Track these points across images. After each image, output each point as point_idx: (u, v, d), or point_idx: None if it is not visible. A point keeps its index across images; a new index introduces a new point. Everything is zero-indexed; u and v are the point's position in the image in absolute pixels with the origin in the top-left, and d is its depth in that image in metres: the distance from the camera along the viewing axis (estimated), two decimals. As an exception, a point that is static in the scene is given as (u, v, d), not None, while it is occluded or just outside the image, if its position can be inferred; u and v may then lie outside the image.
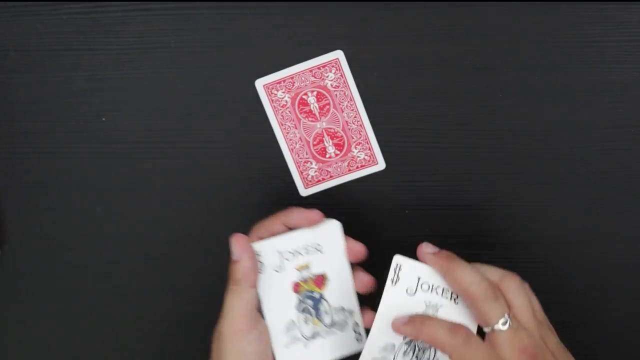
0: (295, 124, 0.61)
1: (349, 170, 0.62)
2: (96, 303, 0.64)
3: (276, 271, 0.56)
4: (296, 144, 0.61)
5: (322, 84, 0.61)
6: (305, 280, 0.56)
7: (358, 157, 0.62)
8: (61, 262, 0.64)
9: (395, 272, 0.56)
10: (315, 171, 0.62)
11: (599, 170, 0.62)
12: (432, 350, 0.56)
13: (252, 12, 0.61)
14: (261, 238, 0.56)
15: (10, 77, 0.62)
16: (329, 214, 0.56)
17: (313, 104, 0.61)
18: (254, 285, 0.54)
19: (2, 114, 0.62)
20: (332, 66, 0.60)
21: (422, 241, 0.56)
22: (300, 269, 0.56)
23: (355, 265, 0.57)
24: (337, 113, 0.61)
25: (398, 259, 0.56)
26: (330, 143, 0.62)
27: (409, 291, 0.56)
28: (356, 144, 0.62)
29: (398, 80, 0.61)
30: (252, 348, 0.54)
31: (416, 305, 0.55)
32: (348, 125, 0.61)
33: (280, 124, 0.61)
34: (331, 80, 0.61)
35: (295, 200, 0.62)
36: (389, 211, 0.63)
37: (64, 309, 0.64)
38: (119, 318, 0.65)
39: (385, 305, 0.55)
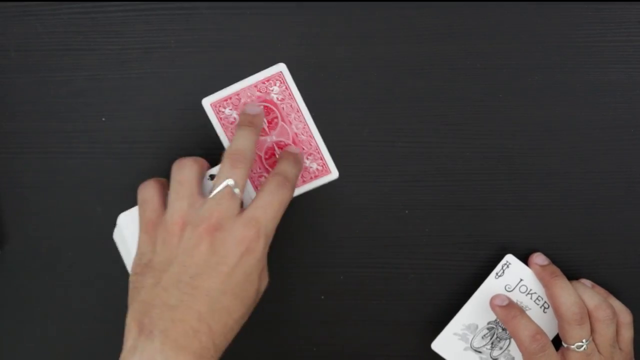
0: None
1: (304, 181, 0.62)
2: (96, 303, 0.64)
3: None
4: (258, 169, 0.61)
5: (268, 97, 0.60)
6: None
7: (311, 167, 0.61)
8: (61, 262, 0.64)
9: (502, 268, 0.61)
10: None
11: (599, 170, 0.62)
12: (508, 342, 0.62)
13: (252, 12, 0.61)
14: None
15: (10, 77, 0.62)
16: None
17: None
18: None
19: (2, 114, 0.62)
20: (276, 79, 0.60)
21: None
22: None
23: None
24: (285, 126, 0.61)
25: (509, 258, 0.61)
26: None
27: (507, 287, 0.61)
28: (307, 155, 0.61)
29: (398, 80, 0.61)
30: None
31: None
32: (297, 137, 0.61)
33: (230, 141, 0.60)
34: (276, 94, 0.60)
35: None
36: (389, 211, 0.63)
37: (64, 309, 0.64)
38: (119, 318, 0.64)
39: (482, 292, 0.61)
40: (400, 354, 0.65)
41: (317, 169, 0.61)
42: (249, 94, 0.60)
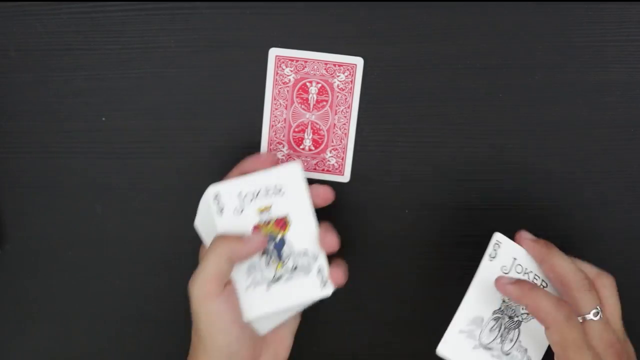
0: (286, 105, 0.61)
1: (315, 169, 0.62)
2: (96, 303, 0.64)
3: (236, 214, 0.55)
4: (278, 123, 0.61)
5: (330, 80, 0.61)
6: (266, 223, 0.55)
7: (329, 161, 0.62)
8: (61, 262, 0.64)
9: (493, 249, 0.56)
10: (284, 155, 0.62)
11: (599, 170, 0.62)
12: (517, 331, 0.57)
13: (252, 12, 0.61)
14: None
15: (10, 77, 0.62)
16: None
17: (312, 94, 0.61)
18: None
19: (2, 114, 0.62)
20: (347, 69, 0.60)
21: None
22: (261, 211, 0.55)
23: (324, 221, 0.56)
24: (330, 112, 0.61)
25: (498, 237, 0.56)
26: (310, 137, 0.62)
27: (504, 269, 0.56)
28: (332, 149, 0.61)
29: (398, 80, 0.61)
30: (226, 306, 0.54)
31: None
32: (334, 128, 0.61)
33: (274, 98, 0.61)
34: (340, 82, 0.61)
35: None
36: (389, 211, 0.63)
37: (64, 309, 0.64)
38: (119, 318, 0.65)
39: (479, 278, 0.56)
40: (400, 353, 0.65)
41: (332, 166, 0.62)
42: (315, 67, 0.60)
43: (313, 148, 0.62)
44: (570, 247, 0.63)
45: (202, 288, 0.53)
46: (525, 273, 0.57)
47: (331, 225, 0.56)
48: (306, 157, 0.62)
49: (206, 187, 0.63)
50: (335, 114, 0.61)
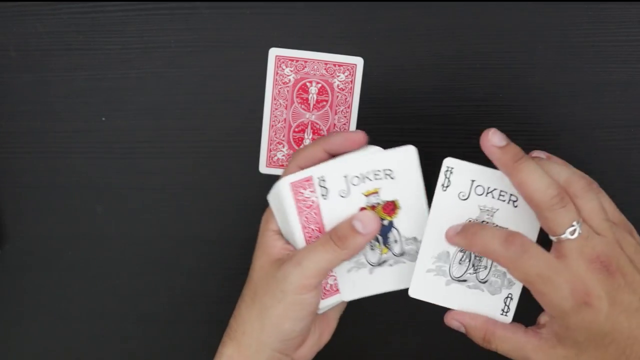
0: (286, 105, 0.61)
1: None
2: (96, 303, 0.64)
3: (342, 196, 0.52)
4: (278, 123, 0.61)
5: (330, 80, 0.61)
6: (373, 207, 0.53)
7: None
8: (61, 262, 0.64)
9: (445, 176, 0.52)
10: (284, 155, 0.62)
11: (599, 170, 0.62)
12: None
13: (252, 12, 0.61)
14: (301, 167, 0.53)
15: (10, 77, 0.62)
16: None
17: (312, 94, 0.61)
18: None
19: (2, 114, 0.62)
20: (347, 69, 0.60)
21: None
22: (368, 194, 0.52)
23: None
24: (329, 112, 0.61)
25: (449, 162, 0.52)
26: (310, 137, 0.62)
27: (461, 195, 0.52)
28: None
29: (398, 80, 0.61)
30: (315, 300, 0.52)
31: (470, 210, 0.52)
32: (334, 128, 0.61)
33: (274, 98, 0.61)
34: (340, 82, 0.61)
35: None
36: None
37: (64, 309, 0.64)
38: (119, 318, 0.65)
39: (435, 212, 0.52)
40: (400, 353, 0.65)
41: None
42: (315, 67, 0.60)
43: None
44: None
45: (302, 279, 0.51)
46: (488, 193, 0.51)
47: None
48: None
49: (206, 187, 0.63)
50: (335, 114, 0.61)
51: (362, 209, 0.52)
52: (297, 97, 0.61)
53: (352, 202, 0.52)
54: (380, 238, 0.53)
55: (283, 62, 0.61)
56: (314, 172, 0.52)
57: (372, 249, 0.53)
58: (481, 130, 0.62)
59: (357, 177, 0.52)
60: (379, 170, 0.52)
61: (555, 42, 0.61)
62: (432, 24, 0.61)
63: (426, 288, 0.53)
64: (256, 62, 0.61)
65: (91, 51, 0.61)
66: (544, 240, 0.50)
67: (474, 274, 0.53)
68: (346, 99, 0.61)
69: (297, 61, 0.61)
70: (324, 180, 0.52)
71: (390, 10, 0.61)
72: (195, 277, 0.64)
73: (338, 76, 0.61)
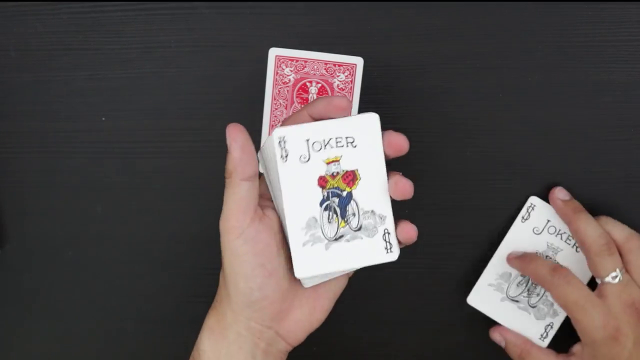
0: (286, 105, 0.61)
1: None
2: (96, 303, 0.64)
3: (302, 162, 0.50)
4: (278, 122, 0.61)
5: (330, 80, 0.61)
6: (333, 175, 0.50)
7: None
8: (61, 262, 0.64)
9: (527, 211, 0.61)
10: None
11: (599, 170, 0.62)
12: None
13: (252, 12, 0.61)
14: None
15: (10, 77, 0.62)
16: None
17: (312, 94, 0.61)
18: (247, 179, 0.50)
19: (2, 114, 0.62)
20: (347, 69, 0.60)
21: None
22: (329, 162, 0.50)
23: (393, 171, 0.52)
24: None
25: (533, 200, 0.61)
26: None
27: (535, 230, 0.61)
28: None
29: (398, 80, 0.61)
30: (247, 248, 0.50)
31: (538, 244, 0.61)
32: None
33: (274, 98, 0.61)
34: (340, 82, 0.61)
35: None
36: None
37: (64, 309, 0.64)
38: (119, 318, 0.65)
39: (510, 238, 0.61)
40: (400, 353, 0.65)
41: None
42: (315, 67, 0.60)
43: None
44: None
45: (225, 222, 0.50)
46: (558, 234, 0.60)
47: (402, 175, 0.52)
48: None
49: (206, 187, 0.63)
50: (335, 113, 0.61)
51: (322, 178, 0.50)
52: (297, 97, 0.61)
53: (312, 169, 0.50)
54: (338, 210, 0.51)
55: (283, 62, 0.61)
56: (277, 131, 0.50)
57: (329, 222, 0.50)
58: (481, 131, 0.62)
59: (318, 142, 0.50)
60: (341, 137, 0.50)
61: (555, 42, 0.61)
62: (432, 24, 0.61)
63: (483, 299, 0.62)
64: (256, 62, 0.61)
65: (91, 51, 0.61)
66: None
67: (527, 298, 0.61)
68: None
69: (297, 61, 0.61)
70: (284, 142, 0.50)
71: (390, 10, 0.61)
72: (195, 277, 0.64)
73: (338, 76, 0.61)
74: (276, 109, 0.61)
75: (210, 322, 0.53)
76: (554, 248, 0.61)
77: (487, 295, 0.62)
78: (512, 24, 0.61)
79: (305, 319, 0.54)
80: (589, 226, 0.58)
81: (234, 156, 0.50)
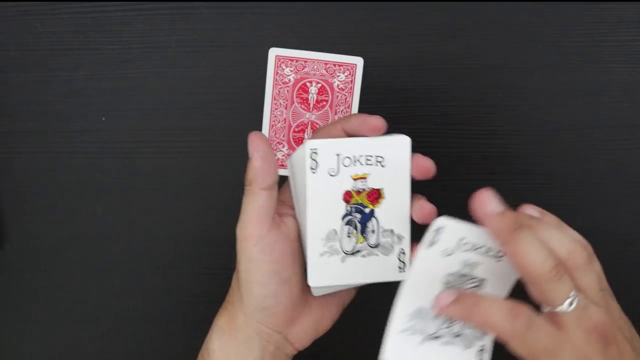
0: (286, 105, 0.61)
1: None
2: (96, 303, 0.64)
3: (330, 175, 0.51)
4: (278, 122, 0.61)
5: (330, 80, 0.61)
6: (358, 192, 0.51)
7: None
8: (61, 262, 0.64)
9: (433, 236, 0.49)
10: (284, 155, 0.62)
11: (598, 170, 0.62)
12: None
13: (252, 12, 0.61)
14: None
15: (10, 77, 0.62)
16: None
17: (312, 94, 0.61)
18: (266, 188, 0.51)
19: (2, 114, 0.62)
20: (347, 69, 0.60)
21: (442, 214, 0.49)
22: (356, 178, 0.51)
23: (418, 194, 0.52)
24: (329, 112, 0.61)
25: (440, 222, 0.49)
26: (310, 137, 0.62)
27: (445, 252, 0.50)
28: None
29: (398, 80, 0.61)
30: (264, 256, 0.51)
31: (451, 264, 0.50)
32: None
33: (274, 98, 0.61)
34: (340, 82, 0.61)
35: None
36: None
37: (64, 309, 0.64)
38: (118, 318, 0.65)
39: (416, 270, 0.50)
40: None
41: None
42: (315, 67, 0.60)
43: None
44: (570, 247, 0.63)
45: (243, 230, 0.51)
46: (475, 248, 0.50)
47: (426, 199, 0.52)
48: None
49: (206, 187, 0.63)
50: (335, 114, 0.61)
51: (347, 193, 0.51)
52: (297, 97, 0.61)
53: (339, 183, 0.51)
54: (359, 226, 0.52)
55: (283, 62, 0.61)
56: (310, 142, 0.50)
57: (348, 236, 0.52)
58: (481, 131, 0.62)
59: (349, 158, 0.51)
60: (371, 156, 0.51)
61: (555, 42, 0.61)
62: (432, 24, 0.61)
63: (400, 350, 0.51)
64: (256, 62, 0.61)
65: (91, 51, 0.61)
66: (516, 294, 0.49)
67: (448, 328, 0.51)
68: (346, 99, 0.61)
69: (297, 61, 0.61)
70: (315, 153, 0.50)
71: (390, 10, 0.61)
72: (195, 277, 0.64)
73: (338, 76, 0.61)
74: (276, 109, 0.61)
75: (221, 322, 0.54)
76: (470, 264, 0.50)
77: (403, 344, 0.51)
78: (512, 24, 0.61)
79: (313, 326, 0.55)
80: (532, 248, 0.46)
81: (255, 165, 0.51)
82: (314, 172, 0.51)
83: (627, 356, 0.47)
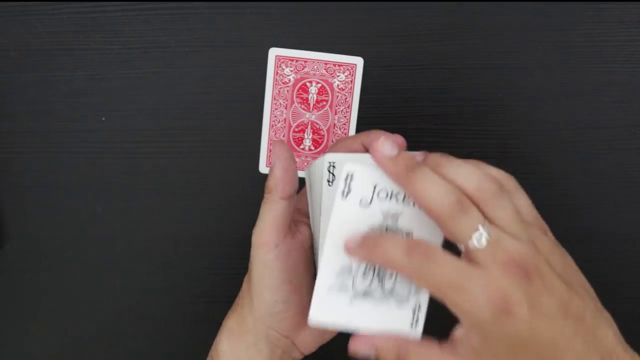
0: (286, 105, 0.61)
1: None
2: (96, 303, 0.64)
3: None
4: (278, 123, 0.61)
5: (330, 80, 0.61)
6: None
7: None
8: (61, 262, 0.64)
9: (345, 183, 0.46)
10: None
11: (599, 170, 0.62)
12: None
13: (252, 12, 0.61)
14: None
15: (10, 77, 0.62)
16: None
17: (312, 94, 0.61)
18: (286, 197, 0.50)
19: (2, 114, 0.62)
20: (347, 69, 0.60)
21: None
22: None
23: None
24: (330, 112, 0.61)
25: (349, 168, 0.46)
26: (310, 137, 0.62)
27: (362, 202, 0.47)
28: None
29: (398, 80, 0.61)
30: (278, 264, 0.51)
31: (371, 217, 0.47)
32: (334, 127, 0.61)
33: (274, 98, 0.61)
34: (340, 82, 0.61)
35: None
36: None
37: (64, 309, 0.64)
38: (118, 317, 0.65)
39: (335, 223, 0.47)
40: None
41: None
42: (315, 66, 0.60)
43: (313, 148, 0.62)
44: (570, 247, 0.63)
45: (259, 237, 0.51)
46: (392, 196, 0.47)
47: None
48: (306, 157, 0.62)
49: (206, 187, 0.63)
50: (335, 114, 0.61)
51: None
52: (297, 97, 0.61)
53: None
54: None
55: (283, 62, 0.61)
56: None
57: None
58: (481, 131, 0.62)
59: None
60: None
61: (555, 42, 0.61)
62: (432, 24, 0.61)
63: (327, 310, 0.48)
64: (256, 62, 0.61)
65: (91, 51, 0.61)
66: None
67: (379, 285, 0.48)
68: (346, 99, 0.61)
69: (297, 61, 0.61)
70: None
71: (390, 10, 0.61)
72: (195, 277, 0.64)
73: (338, 76, 0.61)
74: (276, 109, 0.61)
75: (230, 324, 0.54)
76: (392, 215, 0.47)
77: (331, 302, 0.48)
78: (512, 24, 0.61)
79: (320, 332, 0.55)
80: (429, 184, 0.44)
81: (276, 175, 0.51)
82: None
83: (557, 291, 0.44)
